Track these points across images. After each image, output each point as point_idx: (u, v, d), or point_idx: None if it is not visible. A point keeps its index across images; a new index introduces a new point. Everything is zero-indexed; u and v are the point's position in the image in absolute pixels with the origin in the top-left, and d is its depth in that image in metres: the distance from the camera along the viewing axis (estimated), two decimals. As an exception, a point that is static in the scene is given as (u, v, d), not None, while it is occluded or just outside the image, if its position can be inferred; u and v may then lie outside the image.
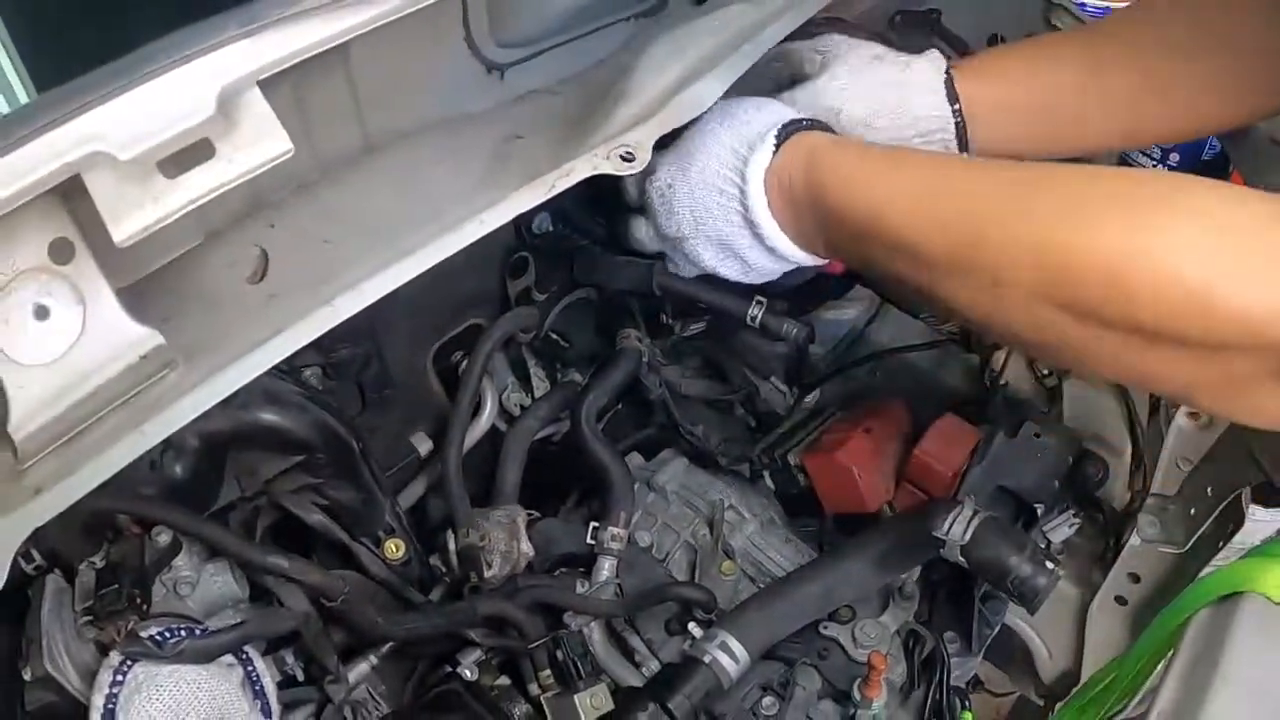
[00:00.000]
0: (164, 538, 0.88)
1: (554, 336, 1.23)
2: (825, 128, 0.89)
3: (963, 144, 0.93)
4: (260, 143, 0.60)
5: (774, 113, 0.88)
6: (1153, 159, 2.12)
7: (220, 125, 0.60)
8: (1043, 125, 0.95)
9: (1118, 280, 0.63)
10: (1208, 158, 2.11)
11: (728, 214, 0.87)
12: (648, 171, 0.91)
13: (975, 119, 0.93)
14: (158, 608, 0.90)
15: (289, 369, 1.05)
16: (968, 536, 0.98)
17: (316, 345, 1.09)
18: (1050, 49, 0.99)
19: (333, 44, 0.65)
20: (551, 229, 1.14)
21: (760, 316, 0.97)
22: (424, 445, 1.22)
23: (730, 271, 0.91)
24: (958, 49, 1.24)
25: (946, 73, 0.94)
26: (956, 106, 0.92)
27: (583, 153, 0.76)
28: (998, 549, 0.97)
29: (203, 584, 0.92)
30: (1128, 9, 1.01)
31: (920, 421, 1.19)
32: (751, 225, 0.86)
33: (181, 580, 0.90)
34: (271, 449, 0.94)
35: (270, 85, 0.96)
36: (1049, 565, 0.98)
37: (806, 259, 0.87)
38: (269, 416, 0.91)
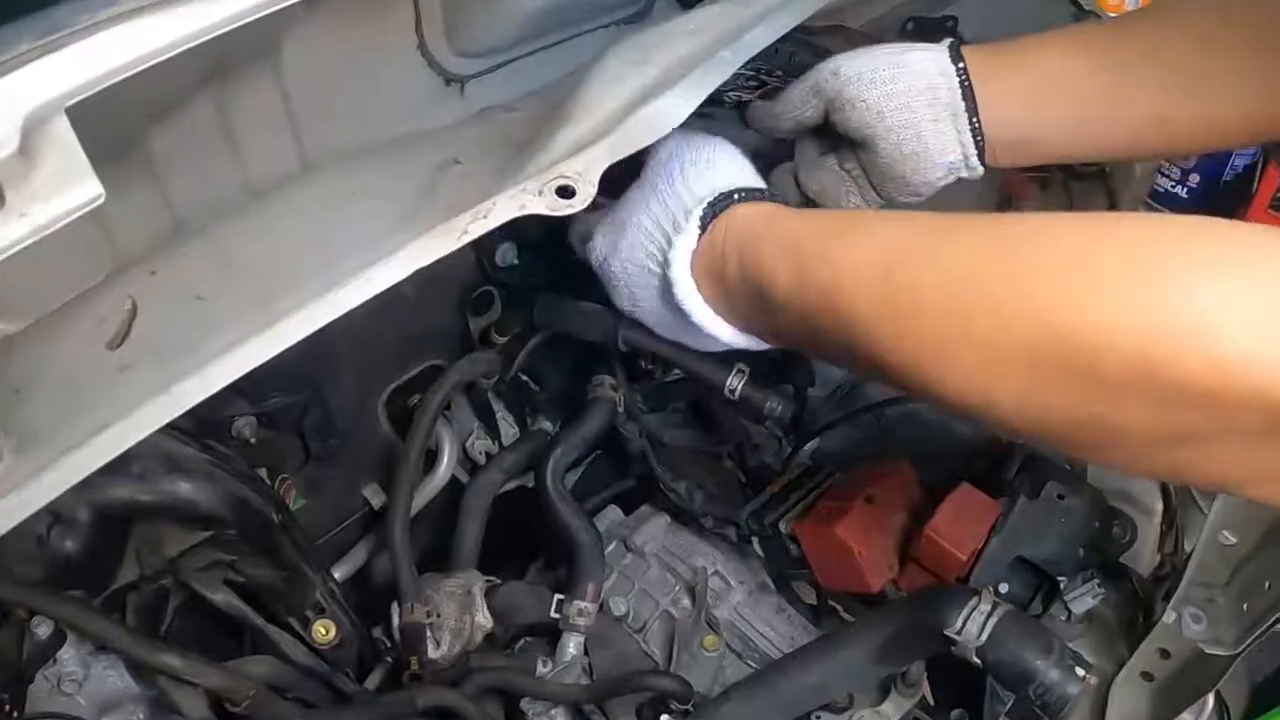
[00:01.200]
0: (44, 629, 0.73)
1: (523, 379, 1.06)
2: (764, 196, 0.73)
3: (971, 108, 0.77)
4: (62, 191, 0.43)
5: (713, 176, 0.72)
6: (1172, 179, 1.93)
7: (14, 168, 0.43)
8: (1058, 108, 0.80)
9: (1142, 366, 0.46)
10: (1229, 178, 1.92)
11: (653, 296, 0.74)
12: (584, 235, 0.77)
13: (984, 89, 0.78)
14: (42, 704, 0.75)
15: (214, 422, 0.89)
16: (984, 636, 0.80)
17: (243, 393, 0.94)
18: (1068, 33, 0.83)
19: (171, 54, 0.48)
20: (517, 262, 0.98)
21: (740, 389, 0.80)
22: (377, 498, 1.06)
23: (684, 342, 0.78)
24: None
25: (951, 45, 0.80)
26: (961, 65, 0.77)
27: (509, 186, 0.59)
28: (1020, 652, 0.80)
29: (93, 679, 0.76)
30: (1152, 4, 0.86)
31: (929, 481, 1.02)
32: (682, 314, 0.71)
33: (66, 677, 0.74)
34: (176, 522, 0.78)
35: (188, 95, 0.81)
36: (1079, 671, 0.80)
37: (748, 343, 0.73)
38: (170, 487, 0.75)
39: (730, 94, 1.01)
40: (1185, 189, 1.88)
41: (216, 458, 0.77)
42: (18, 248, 0.43)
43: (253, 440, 0.95)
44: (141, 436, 0.50)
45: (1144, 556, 1.14)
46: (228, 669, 0.73)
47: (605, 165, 0.60)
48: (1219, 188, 1.88)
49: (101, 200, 0.44)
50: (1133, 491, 1.14)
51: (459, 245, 0.58)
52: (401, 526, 0.92)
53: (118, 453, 0.50)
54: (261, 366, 0.86)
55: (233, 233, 0.68)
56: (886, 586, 0.92)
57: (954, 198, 1.15)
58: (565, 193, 0.58)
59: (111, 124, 0.71)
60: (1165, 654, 1.11)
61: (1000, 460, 1.11)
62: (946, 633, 0.81)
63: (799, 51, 1.01)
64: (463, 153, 0.75)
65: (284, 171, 0.81)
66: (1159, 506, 1.15)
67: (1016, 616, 0.82)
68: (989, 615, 0.81)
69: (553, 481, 0.93)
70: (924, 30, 1.05)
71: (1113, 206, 1.14)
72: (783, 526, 0.93)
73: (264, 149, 0.83)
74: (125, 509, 0.75)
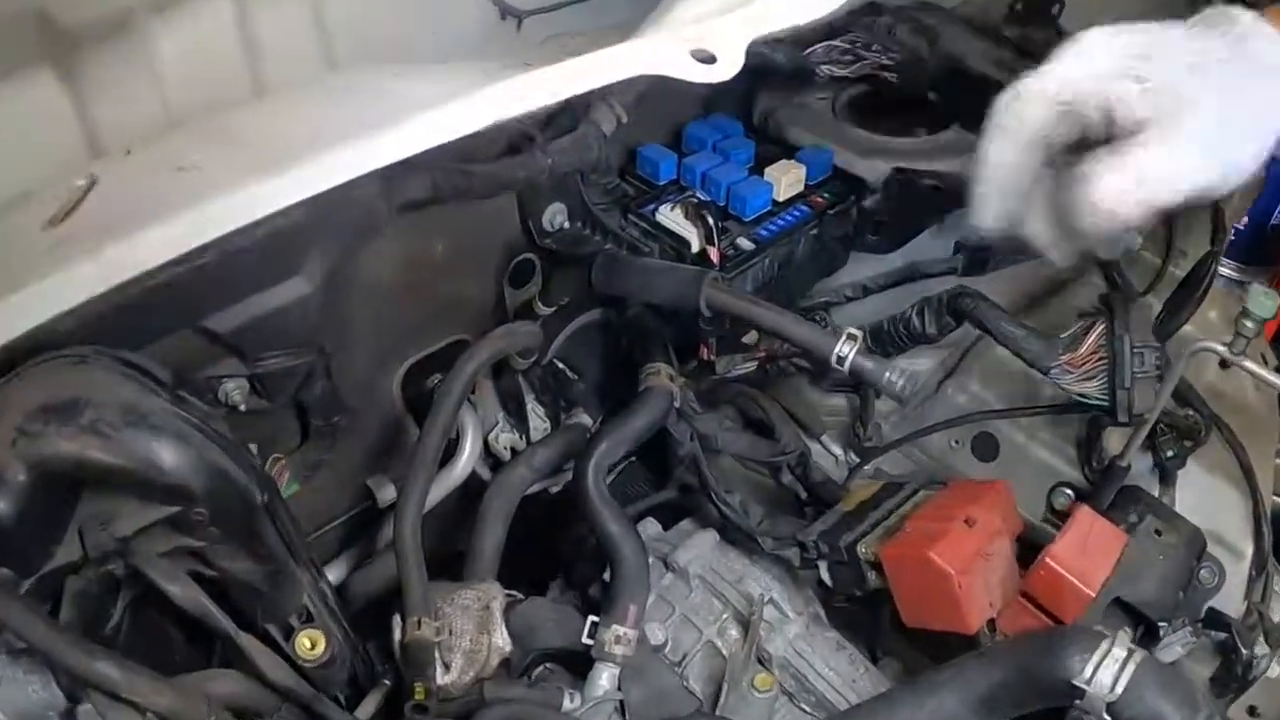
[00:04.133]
0: (-52, 615, 0.52)
1: (560, 366, 0.88)
2: None
3: None
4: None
5: None
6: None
7: None
8: None
9: None
10: (1277, 222, 1.77)
11: None
12: None
13: None
14: (-63, 715, 0.54)
15: (197, 382, 0.70)
16: (1119, 688, 0.61)
17: (239, 351, 0.75)
18: None
19: None
20: (567, 225, 0.80)
21: (852, 357, 0.62)
22: (385, 491, 0.86)
23: None
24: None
25: None
26: None
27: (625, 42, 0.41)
28: (1161, 708, 0.61)
29: (9, 683, 0.55)
30: None
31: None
32: None
33: (-28, 681, 0.54)
34: (134, 493, 0.58)
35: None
36: (1234, 739, 0.62)
37: None
38: (130, 445, 0.55)
39: (823, 67, 0.86)
40: (1233, 231, 1.73)
41: (192, 415, 0.58)
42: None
43: (243, 408, 0.76)
44: (50, 314, 0.31)
45: (1230, 605, 0.96)
46: (180, 686, 0.53)
47: (754, 35, 0.43)
48: (1267, 232, 1.73)
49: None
50: (1222, 532, 0.96)
51: (564, 95, 0.39)
52: (413, 523, 0.72)
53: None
54: (263, 316, 0.67)
55: (237, 115, 0.50)
56: (982, 628, 0.72)
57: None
58: (704, 58, 0.40)
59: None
60: (1253, 711, 0.94)
61: (1087, 491, 0.94)
62: (1073, 681, 0.62)
63: (898, 25, 0.86)
64: (532, 60, 0.58)
65: (303, 74, 0.63)
66: (1249, 550, 0.97)
67: (1156, 666, 0.63)
68: (1124, 663, 0.62)
69: (594, 480, 0.74)
70: (1032, 12, 0.89)
71: (1217, 222, 0.98)
72: (861, 550, 0.75)
73: (285, 57, 0.66)
74: (72, 468, 0.55)
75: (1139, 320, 0.77)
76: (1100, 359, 0.75)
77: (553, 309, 0.78)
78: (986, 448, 0.98)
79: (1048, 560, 0.70)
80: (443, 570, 0.80)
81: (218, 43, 0.64)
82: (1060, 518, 0.97)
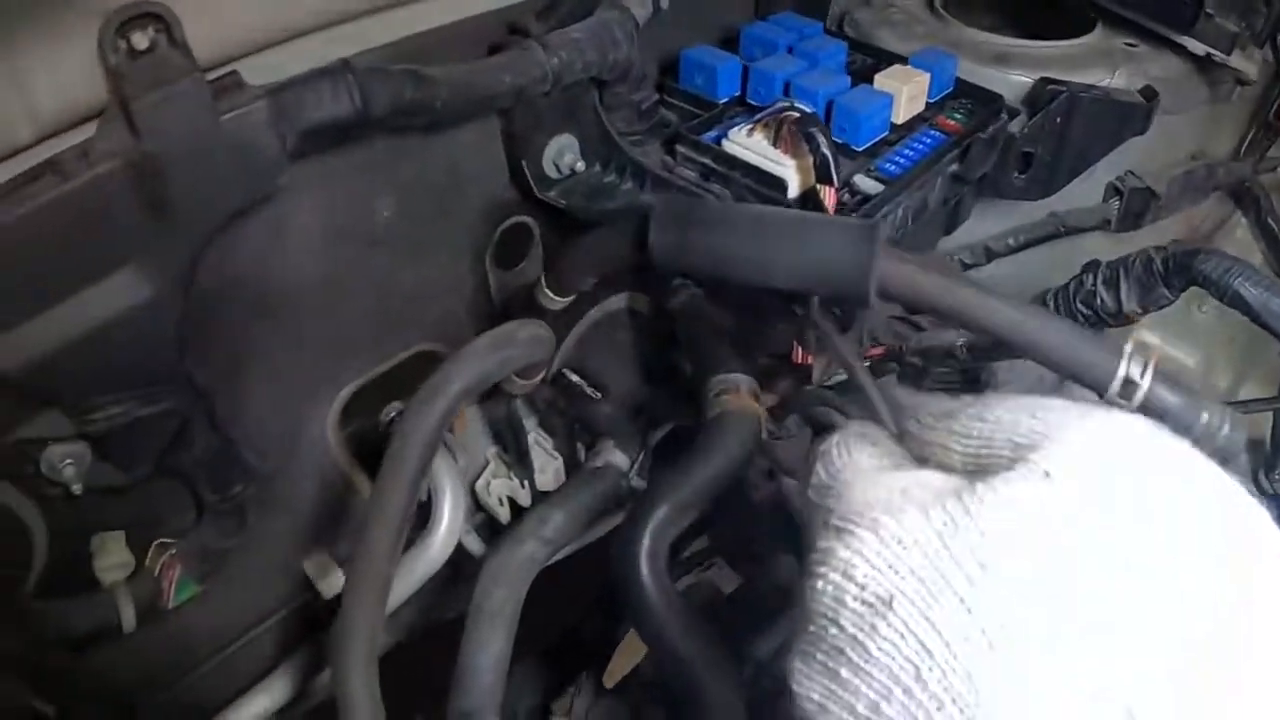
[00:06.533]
0: None
1: (572, 379, 0.56)
2: None
3: None
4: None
5: None
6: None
7: None
8: None
9: None
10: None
11: None
12: None
13: None
14: None
15: (8, 451, 0.37)
16: None
17: (50, 397, 0.41)
18: None
19: None
20: (581, 167, 0.47)
21: (1147, 385, 0.31)
22: (330, 578, 0.54)
23: None
24: None
25: None
26: None
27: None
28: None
29: None
30: None
31: None
32: None
33: None
34: None
35: None
36: None
37: None
38: None
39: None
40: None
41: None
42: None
43: (76, 488, 0.43)
44: None
45: None
46: None
47: None
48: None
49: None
50: None
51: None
52: (363, 671, 0.40)
53: None
54: (76, 340, 0.34)
55: None
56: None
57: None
58: None
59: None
60: None
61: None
62: None
63: None
64: None
65: None
66: None
67: None
68: None
69: (652, 573, 0.42)
70: None
71: None
72: None
73: None
74: None
75: None
76: None
77: (569, 298, 0.46)
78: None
79: None
80: (434, 642, 0.49)
81: None
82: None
